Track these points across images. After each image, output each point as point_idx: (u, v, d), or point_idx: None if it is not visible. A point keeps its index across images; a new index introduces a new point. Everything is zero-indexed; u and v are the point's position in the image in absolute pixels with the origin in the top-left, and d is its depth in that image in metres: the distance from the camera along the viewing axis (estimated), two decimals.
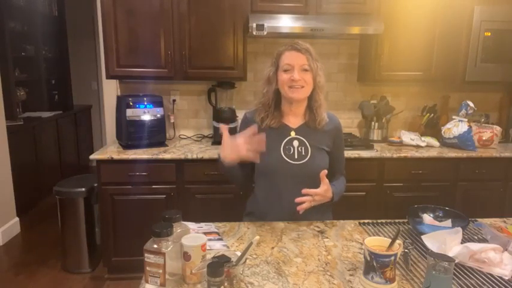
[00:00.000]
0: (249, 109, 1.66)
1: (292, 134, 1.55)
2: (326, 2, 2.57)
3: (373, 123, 2.90)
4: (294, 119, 1.57)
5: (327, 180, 1.42)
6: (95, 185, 2.56)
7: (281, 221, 1.49)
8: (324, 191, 1.41)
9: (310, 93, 1.52)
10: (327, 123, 1.56)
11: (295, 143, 1.53)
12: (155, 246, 0.98)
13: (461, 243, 1.20)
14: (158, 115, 2.61)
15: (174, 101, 2.95)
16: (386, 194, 2.57)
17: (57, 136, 4.48)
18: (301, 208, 1.39)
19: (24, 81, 4.27)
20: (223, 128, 1.40)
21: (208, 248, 1.10)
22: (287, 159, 1.51)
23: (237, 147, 1.39)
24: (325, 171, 1.41)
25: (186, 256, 1.02)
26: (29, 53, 4.41)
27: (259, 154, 1.52)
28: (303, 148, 1.53)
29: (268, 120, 1.54)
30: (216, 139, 2.72)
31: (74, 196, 2.62)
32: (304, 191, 1.38)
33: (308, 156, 1.51)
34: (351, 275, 1.11)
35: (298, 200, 1.39)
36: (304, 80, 1.46)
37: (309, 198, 1.39)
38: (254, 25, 2.42)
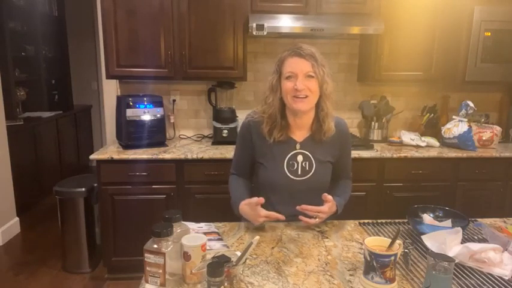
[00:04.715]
0: (251, 114, 1.56)
1: (297, 147, 1.49)
2: (326, 2, 2.57)
3: (373, 123, 2.89)
4: (299, 131, 1.50)
5: (330, 198, 1.37)
6: (95, 185, 2.56)
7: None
8: (328, 208, 1.38)
9: (316, 102, 1.44)
10: (333, 132, 1.48)
11: (299, 158, 1.48)
12: (155, 246, 0.98)
13: (461, 243, 1.20)
14: (158, 115, 2.61)
15: (174, 101, 2.95)
16: (386, 194, 2.57)
17: (57, 136, 4.48)
18: (305, 221, 1.37)
19: (24, 81, 4.27)
20: (261, 199, 1.34)
21: (208, 248, 1.10)
22: (290, 175, 1.47)
23: (256, 217, 1.35)
24: (326, 195, 1.38)
25: (186, 256, 1.02)
26: (29, 53, 4.40)
27: (264, 168, 1.51)
28: (307, 163, 1.48)
29: (276, 133, 1.46)
30: (216, 139, 2.72)
31: (74, 196, 2.62)
32: (305, 207, 1.34)
33: (312, 172, 1.48)
34: (351, 275, 1.11)
35: (301, 217, 1.36)
36: (308, 89, 1.38)
37: (313, 214, 1.36)
38: (254, 25, 2.42)
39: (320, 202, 1.39)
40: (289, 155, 1.48)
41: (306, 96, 1.39)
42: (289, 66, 1.40)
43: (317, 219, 1.38)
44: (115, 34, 2.52)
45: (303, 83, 1.37)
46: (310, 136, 1.50)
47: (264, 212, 1.35)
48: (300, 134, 1.51)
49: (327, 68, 1.42)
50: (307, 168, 1.48)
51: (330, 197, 1.38)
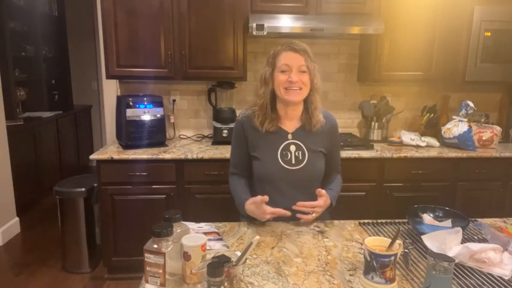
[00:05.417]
0: (243, 112, 1.64)
1: (289, 137, 1.54)
2: (326, 2, 2.57)
3: (373, 123, 2.89)
4: (290, 123, 1.56)
5: (323, 192, 1.42)
6: (95, 185, 2.56)
7: (277, 221, 1.48)
8: (323, 202, 1.42)
9: (306, 95, 1.51)
10: (323, 123, 1.54)
11: (292, 148, 1.52)
12: (155, 246, 0.98)
13: (461, 243, 1.20)
14: (158, 115, 2.61)
15: (174, 101, 2.95)
16: (386, 194, 2.57)
17: (57, 136, 4.48)
18: (304, 218, 1.40)
19: (24, 81, 4.27)
20: (265, 197, 1.38)
21: (208, 248, 1.10)
22: (284, 165, 1.50)
23: (263, 214, 1.39)
24: (320, 190, 1.42)
25: (186, 256, 1.02)
26: (29, 53, 4.40)
27: (258, 160, 1.53)
28: (300, 152, 1.52)
29: (266, 124, 1.52)
30: (216, 139, 2.72)
31: (74, 196, 2.62)
32: (301, 203, 1.38)
33: (305, 161, 1.51)
34: (351, 275, 1.11)
35: (299, 215, 1.40)
36: (302, 82, 1.45)
37: (309, 209, 1.40)
38: (254, 25, 2.42)
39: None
40: (282, 145, 1.53)
41: (300, 89, 1.46)
42: (284, 59, 1.47)
43: (314, 214, 1.42)
44: (115, 34, 2.52)
45: (297, 76, 1.44)
46: (301, 127, 1.56)
47: (270, 209, 1.39)
48: (290, 125, 1.56)
49: (317, 64, 1.50)
50: (300, 158, 1.52)
51: (323, 191, 1.42)
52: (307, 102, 1.53)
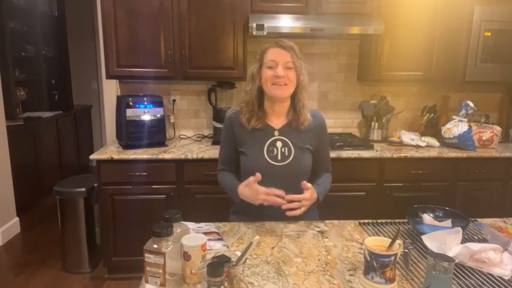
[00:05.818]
0: (231, 109, 1.66)
1: (276, 134, 1.55)
2: (326, 2, 2.57)
3: (373, 123, 2.89)
4: (277, 119, 1.57)
5: (309, 185, 1.42)
6: (95, 185, 2.57)
7: (266, 219, 1.49)
8: (309, 195, 1.42)
9: (293, 93, 1.52)
10: (310, 121, 1.56)
11: (279, 144, 1.54)
12: (155, 246, 0.98)
13: (461, 243, 1.20)
14: (158, 115, 2.61)
15: (174, 101, 2.95)
16: (386, 194, 2.57)
17: (57, 136, 4.48)
18: (291, 214, 1.39)
19: (24, 81, 4.27)
20: (258, 175, 1.38)
21: (208, 248, 1.10)
22: (270, 161, 1.52)
23: (257, 195, 1.39)
24: (305, 182, 1.42)
25: (186, 256, 1.02)
26: (29, 53, 4.40)
27: (245, 156, 1.55)
28: (286, 149, 1.53)
29: (253, 121, 1.54)
30: (216, 139, 2.72)
31: (74, 196, 2.62)
32: (289, 196, 1.38)
33: (291, 157, 1.52)
34: (351, 275, 1.11)
35: (285, 206, 1.38)
36: (287, 78, 1.47)
37: (297, 204, 1.38)
38: (254, 25, 2.42)
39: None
40: (269, 141, 1.54)
41: (285, 84, 1.48)
42: (270, 55, 1.49)
43: (302, 208, 1.40)
44: (115, 34, 2.52)
45: (283, 72, 1.46)
46: (288, 124, 1.57)
47: (263, 188, 1.38)
48: (277, 122, 1.57)
49: (304, 62, 1.52)
50: (286, 154, 1.53)
51: (308, 184, 1.42)
52: (294, 99, 1.55)
